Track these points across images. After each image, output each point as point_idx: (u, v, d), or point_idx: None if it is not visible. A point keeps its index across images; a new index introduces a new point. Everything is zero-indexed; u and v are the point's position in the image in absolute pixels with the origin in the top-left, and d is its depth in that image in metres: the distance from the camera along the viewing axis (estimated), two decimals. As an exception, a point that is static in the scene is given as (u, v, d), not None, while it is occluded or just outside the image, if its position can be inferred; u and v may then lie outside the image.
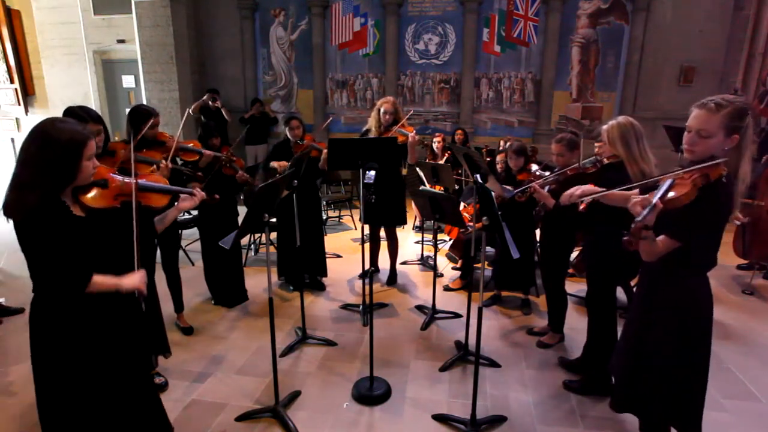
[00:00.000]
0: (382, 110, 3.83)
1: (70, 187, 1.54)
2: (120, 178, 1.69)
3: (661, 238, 1.64)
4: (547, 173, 3.16)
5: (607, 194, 1.92)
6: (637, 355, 1.84)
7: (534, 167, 3.42)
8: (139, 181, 1.75)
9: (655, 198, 1.48)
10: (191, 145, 3.29)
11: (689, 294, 1.72)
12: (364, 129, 4.04)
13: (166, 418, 1.91)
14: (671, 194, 1.53)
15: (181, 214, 5.09)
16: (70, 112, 2.11)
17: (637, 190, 1.86)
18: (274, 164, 3.76)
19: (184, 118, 3.31)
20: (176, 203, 1.91)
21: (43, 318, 1.56)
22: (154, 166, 2.62)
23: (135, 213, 1.61)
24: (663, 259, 1.68)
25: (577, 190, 1.99)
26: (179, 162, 3.19)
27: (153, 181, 1.84)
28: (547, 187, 2.84)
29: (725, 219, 1.65)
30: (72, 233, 1.51)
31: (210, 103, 6.94)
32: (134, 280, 1.60)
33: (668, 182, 1.57)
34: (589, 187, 2.00)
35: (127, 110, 2.94)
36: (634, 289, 2.13)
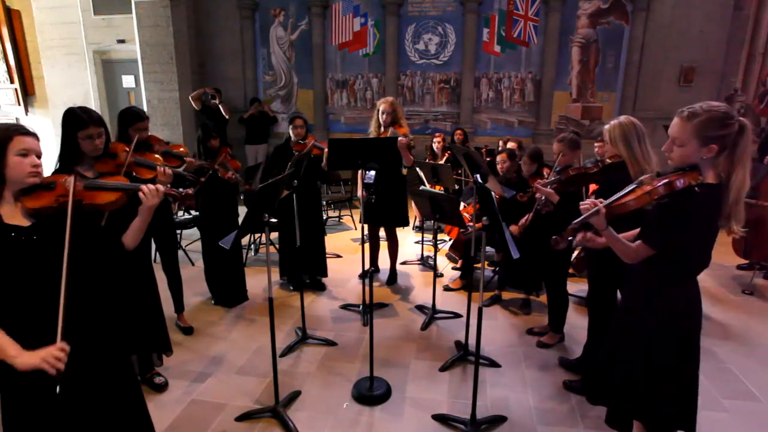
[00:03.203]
0: (380, 110, 3.83)
1: (7, 189, 1.44)
2: (69, 179, 1.56)
3: (637, 243, 1.66)
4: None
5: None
6: (626, 361, 1.83)
7: (545, 173, 3.39)
8: (87, 180, 1.67)
9: (606, 202, 1.49)
10: (180, 150, 3.20)
11: (675, 298, 1.71)
12: (369, 131, 4.05)
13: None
14: (621, 200, 1.55)
15: (181, 214, 5.13)
16: (70, 112, 2.08)
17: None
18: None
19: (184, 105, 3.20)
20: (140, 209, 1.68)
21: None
22: (162, 169, 2.55)
23: (70, 209, 1.45)
24: (645, 266, 1.69)
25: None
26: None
27: (107, 181, 1.75)
28: (548, 187, 2.84)
29: (703, 228, 1.61)
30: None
31: (210, 98, 6.93)
32: (34, 356, 1.31)
33: (629, 188, 1.57)
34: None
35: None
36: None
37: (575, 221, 1.53)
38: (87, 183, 1.66)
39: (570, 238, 1.68)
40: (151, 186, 1.64)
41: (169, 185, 2.02)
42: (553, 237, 1.55)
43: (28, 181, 1.45)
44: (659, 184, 1.57)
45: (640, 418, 1.81)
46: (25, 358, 1.32)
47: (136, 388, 1.77)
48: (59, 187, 1.53)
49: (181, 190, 1.80)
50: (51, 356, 1.31)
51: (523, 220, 3.15)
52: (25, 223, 1.45)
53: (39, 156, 1.49)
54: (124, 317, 2.37)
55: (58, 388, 1.34)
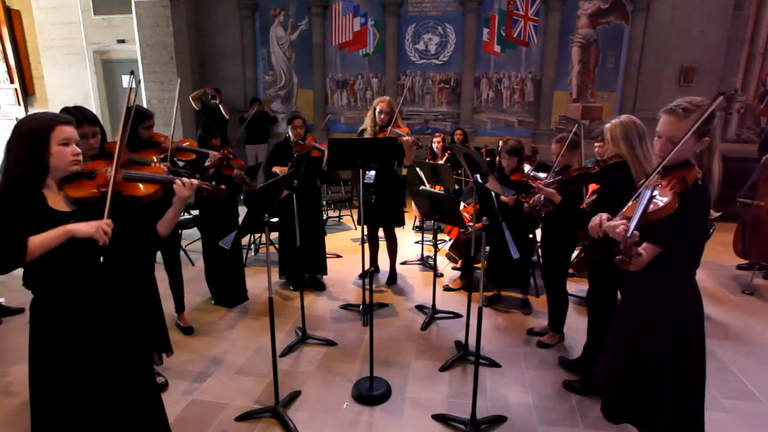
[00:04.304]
0: (378, 109, 3.81)
1: (51, 176, 1.52)
2: (110, 169, 1.63)
3: (644, 246, 1.59)
4: (542, 174, 3.15)
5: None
6: (629, 364, 1.82)
7: (527, 168, 3.41)
8: (126, 171, 1.72)
9: (639, 212, 1.43)
10: (187, 144, 3.27)
11: (676, 297, 1.70)
12: (360, 129, 4.03)
13: (166, 422, 1.88)
14: (653, 206, 1.51)
15: (181, 214, 5.13)
16: (65, 112, 2.08)
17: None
18: (276, 170, 3.76)
19: (175, 112, 3.26)
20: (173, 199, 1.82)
21: (41, 318, 1.55)
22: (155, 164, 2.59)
23: (109, 197, 1.54)
24: (648, 266, 1.63)
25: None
26: (180, 164, 3.19)
27: (144, 172, 1.82)
28: (550, 187, 2.84)
29: (705, 220, 1.65)
30: (39, 223, 1.45)
31: (210, 98, 6.93)
32: (90, 225, 1.47)
33: (648, 193, 1.50)
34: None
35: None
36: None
37: (629, 236, 1.41)
38: (126, 175, 1.71)
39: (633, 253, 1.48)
40: (185, 179, 1.76)
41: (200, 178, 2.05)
42: (618, 257, 1.43)
43: (71, 169, 1.53)
44: (675, 182, 1.55)
45: (678, 428, 1.77)
46: (81, 227, 1.47)
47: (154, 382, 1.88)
48: (100, 177, 1.62)
49: (213, 183, 1.89)
50: (101, 228, 1.47)
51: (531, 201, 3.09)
52: (67, 209, 1.55)
53: (78, 144, 1.57)
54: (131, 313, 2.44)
55: (102, 258, 1.51)
